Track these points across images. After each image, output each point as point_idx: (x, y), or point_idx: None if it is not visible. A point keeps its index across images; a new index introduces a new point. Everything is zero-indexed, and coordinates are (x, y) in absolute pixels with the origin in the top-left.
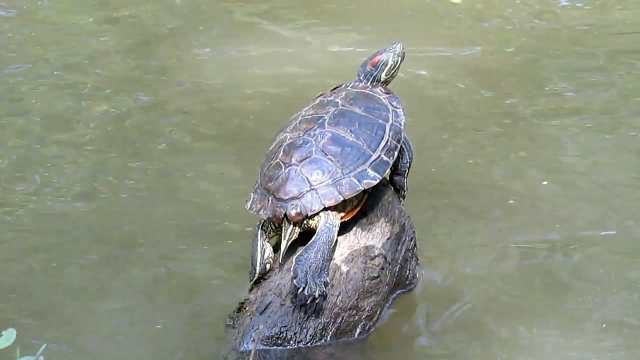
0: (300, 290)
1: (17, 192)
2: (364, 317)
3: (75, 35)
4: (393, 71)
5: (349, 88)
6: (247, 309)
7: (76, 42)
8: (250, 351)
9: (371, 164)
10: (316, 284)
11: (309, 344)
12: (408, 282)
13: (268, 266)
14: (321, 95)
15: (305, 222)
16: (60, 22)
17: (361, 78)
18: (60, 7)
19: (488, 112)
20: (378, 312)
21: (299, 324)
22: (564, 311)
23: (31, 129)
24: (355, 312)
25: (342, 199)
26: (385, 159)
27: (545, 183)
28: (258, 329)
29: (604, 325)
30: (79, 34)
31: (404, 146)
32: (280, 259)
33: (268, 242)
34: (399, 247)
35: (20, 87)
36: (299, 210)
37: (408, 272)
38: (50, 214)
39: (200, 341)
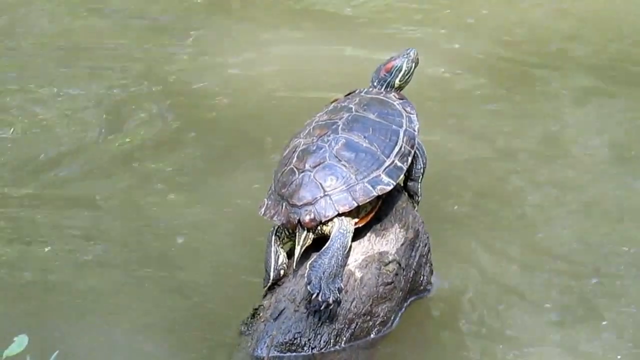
0: (314, 296)
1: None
2: (377, 322)
3: None
4: (407, 77)
5: (362, 93)
6: (260, 314)
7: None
8: (263, 357)
9: (385, 169)
10: (330, 289)
11: (322, 350)
12: (422, 287)
13: (282, 272)
14: (335, 101)
15: (318, 227)
16: None
17: (375, 83)
18: None
19: (505, 117)
20: (392, 318)
21: (313, 330)
22: (579, 321)
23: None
24: (369, 317)
25: (356, 204)
26: (399, 164)
27: (556, 194)
28: (272, 335)
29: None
30: None
31: (417, 151)
32: (294, 265)
33: (282, 247)
34: (413, 253)
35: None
36: (312, 216)
37: (422, 277)
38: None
39: (214, 347)
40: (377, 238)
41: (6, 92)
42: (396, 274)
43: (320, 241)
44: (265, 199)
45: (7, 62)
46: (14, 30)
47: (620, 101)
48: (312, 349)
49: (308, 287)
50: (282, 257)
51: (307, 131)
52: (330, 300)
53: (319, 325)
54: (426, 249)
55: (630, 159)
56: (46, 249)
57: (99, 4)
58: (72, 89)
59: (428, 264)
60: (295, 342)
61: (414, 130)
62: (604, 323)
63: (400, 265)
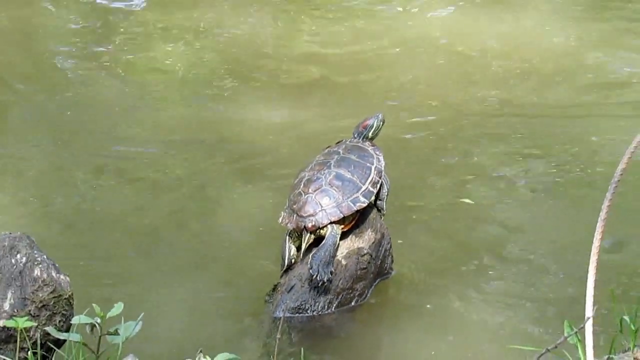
0: (314, 277)
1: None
2: (356, 294)
3: None
4: (377, 131)
5: (347, 142)
6: (278, 289)
7: None
8: (280, 317)
9: (361, 192)
10: (325, 272)
11: (319, 313)
12: (386, 271)
13: (292, 260)
14: (328, 147)
15: (317, 231)
16: None
17: (355, 136)
18: None
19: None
20: (366, 292)
21: (313, 299)
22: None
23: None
24: (350, 291)
25: (343, 216)
26: (371, 189)
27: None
28: (286, 302)
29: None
30: None
31: (383, 181)
32: (301, 256)
33: (292, 244)
34: (380, 248)
35: None
36: (313, 223)
37: (386, 264)
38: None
39: (247, 311)
40: (356, 238)
41: None
42: (369, 262)
43: (318, 240)
44: (283, 212)
45: None
46: None
47: None
48: (313, 312)
49: (310, 270)
50: (293, 250)
51: (310, 167)
52: (325, 280)
53: (317, 296)
54: (389, 245)
55: None
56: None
57: None
58: None
59: (390, 255)
60: (301, 307)
61: (381, 167)
62: (527, 305)
63: (371, 256)
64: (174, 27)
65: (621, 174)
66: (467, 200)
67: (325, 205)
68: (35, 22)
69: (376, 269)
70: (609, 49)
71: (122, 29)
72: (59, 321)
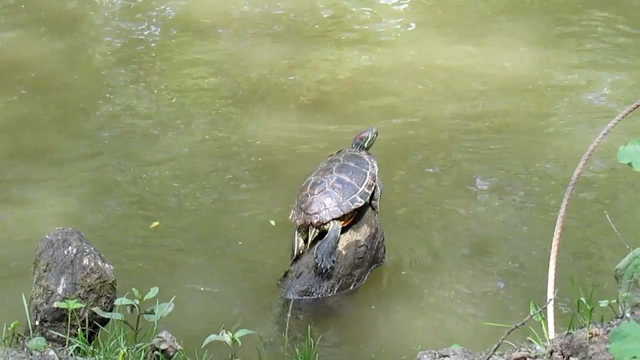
0: (319, 265)
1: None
2: (354, 279)
3: None
4: (371, 142)
5: (346, 151)
6: (288, 275)
7: None
8: (290, 299)
9: (359, 193)
10: (328, 261)
11: (323, 295)
12: (379, 260)
13: (301, 251)
14: (331, 155)
15: (321, 226)
16: None
17: (353, 146)
18: None
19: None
20: (363, 277)
21: (318, 283)
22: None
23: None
24: (349, 277)
25: (343, 213)
26: (367, 191)
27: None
28: (295, 286)
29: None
30: None
31: (377, 184)
32: (308, 247)
33: (300, 237)
34: (374, 240)
35: None
36: (318, 220)
37: (379, 254)
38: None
39: (262, 294)
40: (354, 232)
41: None
42: (365, 252)
43: (322, 234)
44: (292, 210)
45: None
46: None
47: None
48: (318, 294)
49: (315, 259)
50: (301, 243)
51: (315, 172)
52: (328, 267)
53: (322, 281)
54: (382, 238)
55: None
56: (155, 224)
57: None
58: None
59: (383, 247)
60: (308, 290)
61: (375, 172)
62: (501, 288)
63: (367, 247)
64: (201, 54)
65: (577, 177)
66: (447, 201)
67: (328, 205)
68: (84, 45)
69: (371, 258)
70: (565, 68)
71: (153, 55)
72: (104, 303)
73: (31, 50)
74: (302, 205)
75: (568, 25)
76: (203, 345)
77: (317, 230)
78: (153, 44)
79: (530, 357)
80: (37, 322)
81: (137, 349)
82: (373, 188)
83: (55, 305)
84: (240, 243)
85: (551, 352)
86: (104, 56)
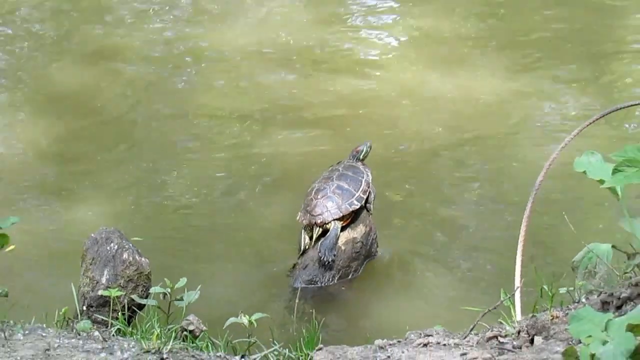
0: (322, 258)
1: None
2: (352, 270)
3: None
4: (366, 154)
5: (344, 162)
6: (296, 267)
7: None
8: (298, 287)
9: (355, 198)
10: (330, 255)
11: (325, 284)
12: (373, 254)
13: (307, 247)
14: (331, 166)
15: (324, 226)
16: None
17: (350, 158)
18: None
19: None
20: (359, 269)
21: (321, 274)
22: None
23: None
24: (348, 268)
25: (342, 215)
26: (362, 195)
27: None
28: (302, 276)
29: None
30: None
31: (371, 190)
32: (312, 243)
33: (306, 235)
34: (369, 237)
35: None
36: (321, 220)
37: (373, 249)
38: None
39: (274, 283)
40: (352, 231)
41: None
42: (361, 247)
43: (325, 232)
44: (299, 212)
45: None
46: None
47: None
48: (321, 283)
49: (319, 254)
50: (307, 239)
51: (318, 180)
52: (330, 260)
53: (324, 272)
54: (375, 235)
55: None
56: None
57: None
58: None
59: (376, 243)
60: (313, 280)
61: (369, 180)
62: (477, 278)
63: (362, 243)
64: (220, 79)
65: (540, 183)
66: (438, 204)
67: (329, 208)
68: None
69: (366, 252)
70: (539, 95)
71: (183, 82)
72: (141, 291)
73: (76, 78)
74: (308, 208)
75: (535, 60)
76: (225, 327)
77: (321, 229)
78: (185, 71)
79: (501, 336)
80: (84, 308)
81: (169, 330)
82: (367, 193)
83: (99, 293)
84: (256, 241)
85: (519, 332)
86: (139, 81)
